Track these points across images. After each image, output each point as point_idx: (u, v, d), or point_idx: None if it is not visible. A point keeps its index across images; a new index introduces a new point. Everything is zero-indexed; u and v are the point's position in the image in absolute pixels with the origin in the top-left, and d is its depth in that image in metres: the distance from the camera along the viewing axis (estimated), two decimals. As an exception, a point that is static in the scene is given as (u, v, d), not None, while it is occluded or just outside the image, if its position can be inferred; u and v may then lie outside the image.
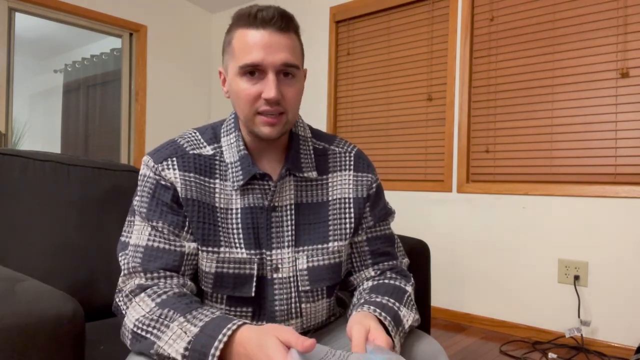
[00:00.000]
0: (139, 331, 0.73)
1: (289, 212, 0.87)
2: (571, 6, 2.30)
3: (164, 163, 0.83)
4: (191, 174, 0.83)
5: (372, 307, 0.80)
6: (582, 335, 2.18)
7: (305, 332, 0.92)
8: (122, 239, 0.89)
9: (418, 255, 1.38)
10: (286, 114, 0.82)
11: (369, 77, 3.06)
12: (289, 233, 0.87)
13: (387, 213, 0.98)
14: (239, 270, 0.83)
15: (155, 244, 0.80)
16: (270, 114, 0.80)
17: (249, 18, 0.79)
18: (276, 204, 0.86)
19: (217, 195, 0.84)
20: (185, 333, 0.69)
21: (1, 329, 0.60)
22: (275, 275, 0.86)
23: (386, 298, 0.84)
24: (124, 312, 0.77)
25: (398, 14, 2.93)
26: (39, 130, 5.13)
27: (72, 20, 3.21)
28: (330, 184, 0.91)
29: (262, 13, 0.79)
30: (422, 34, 2.83)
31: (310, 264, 0.87)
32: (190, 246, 0.81)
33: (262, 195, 0.86)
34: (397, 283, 0.90)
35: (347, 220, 0.90)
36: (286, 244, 0.86)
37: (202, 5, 3.90)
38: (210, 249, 0.82)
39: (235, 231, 0.84)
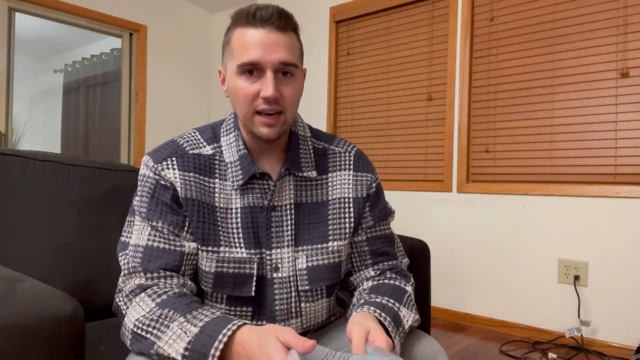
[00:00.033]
0: (139, 331, 0.73)
1: (288, 212, 0.87)
2: (571, 6, 2.30)
3: (164, 163, 0.83)
4: (191, 174, 0.83)
5: (372, 308, 0.80)
6: (582, 335, 2.18)
7: (305, 332, 0.92)
8: (122, 239, 0.89)
9: (418, 255, 1.38)
10: (284, 113, 0.82)
11: (369, 77, 3.06)
12: (289, 232, 0.87)
13: (387, 213, 0.98)
14: (239, 270, 0.83)
15: (155, 244, 0.80)
16: (269, 114, 0.80)
17: (248, 17, 0.80)
18: (276, 203, 0.86)
19: (216, 194, 0.84)
20: (185, 333, 0.69)
21: (1, 329, 0.60)
22: (275, 275, 0.86)
23: (386, 298, 0.84)
24: (124, 312, 0.77)
25: (398, 14, 2.93)
26: (39, 130, 5.13)
27: (72, 20, 3.21)
28: (330, 184, 0.91)
29: (261, 12, 0.79)
30: (422, 34, 2.83)
31: (310, 264, 0.87)
32: (190, 246, 0.81)
33: (262, 195, 0.86)
34: (397, 283, 0.90)
35: (347, 220, 0.90)
36: (286, 243, 0.86)
37: (202, 5, 3.90)
38: (210, 248, 0.82)
39: (235, 231, 0.84)
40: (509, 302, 2.46)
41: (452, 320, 2.66)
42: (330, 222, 0.89)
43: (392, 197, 2.91)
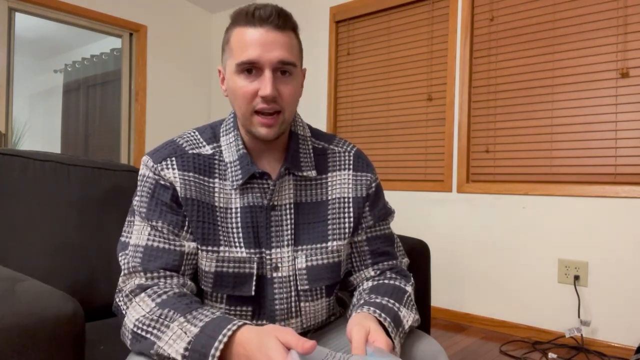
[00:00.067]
0: (139, 331, 0.73)
1: (288, 211, 0.87)
2: (571, 6, 2.30)
3: (163, 163, 0.83)
4: (190, 174, 0.83)
5: (371, 308, 0.80)
6: (582, 335, 2.18)
7: (305, 332, 0.92)
8: (122, 239, 0.89)
9: (418, 255, 1.38)
10: (283, 113, 0.82)
11: (369, 77, 3.06)
12: (288, 232, 0.87)
13: (387, 213, 0.98)
14: (239, 270, 0.83)
15: (155, 244, 0.80)
16: (267, 113, 0.80)
17: (247, 16, 0.80)
18: (275, 203, 0.86)
19: (216, 194, 0.84)
20: (186, 333, 0.69)
21: (1, 329, 0.60)
22: (274, 275, 0.86)
23: (386, 299, 0.84)
24: (124, 312, 0.77)
25: (398, 14, 2.93)
26: (39, 130, 5.13)
27: (72, 20, 3.21)
28: (329, 183, 0.91)
29: (260, 11, 0.79)
30: (422, 34, 2.83)
31: (309, 263, 0.87)
32: (190, 246, 0.81)
33: (262, 194, 0.86)
34: (396, 283, 0.90)
35: (347, 220, 0.90)
36: (285, 243, 0.86)
37: (202, 5, 3.90)
38: (209, 248, 0.82)
39: (234, 230, 0.84)
40: (509, 302, 2.46)
41: (452, 320, 2.66)
42: (329, 221, 0.89)
43: (392, 197, 2.91)
